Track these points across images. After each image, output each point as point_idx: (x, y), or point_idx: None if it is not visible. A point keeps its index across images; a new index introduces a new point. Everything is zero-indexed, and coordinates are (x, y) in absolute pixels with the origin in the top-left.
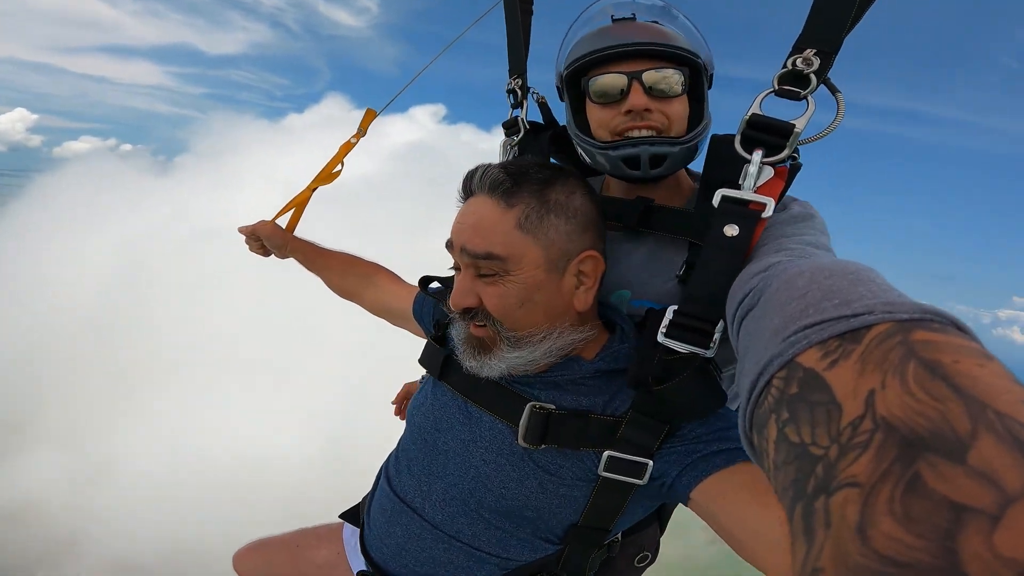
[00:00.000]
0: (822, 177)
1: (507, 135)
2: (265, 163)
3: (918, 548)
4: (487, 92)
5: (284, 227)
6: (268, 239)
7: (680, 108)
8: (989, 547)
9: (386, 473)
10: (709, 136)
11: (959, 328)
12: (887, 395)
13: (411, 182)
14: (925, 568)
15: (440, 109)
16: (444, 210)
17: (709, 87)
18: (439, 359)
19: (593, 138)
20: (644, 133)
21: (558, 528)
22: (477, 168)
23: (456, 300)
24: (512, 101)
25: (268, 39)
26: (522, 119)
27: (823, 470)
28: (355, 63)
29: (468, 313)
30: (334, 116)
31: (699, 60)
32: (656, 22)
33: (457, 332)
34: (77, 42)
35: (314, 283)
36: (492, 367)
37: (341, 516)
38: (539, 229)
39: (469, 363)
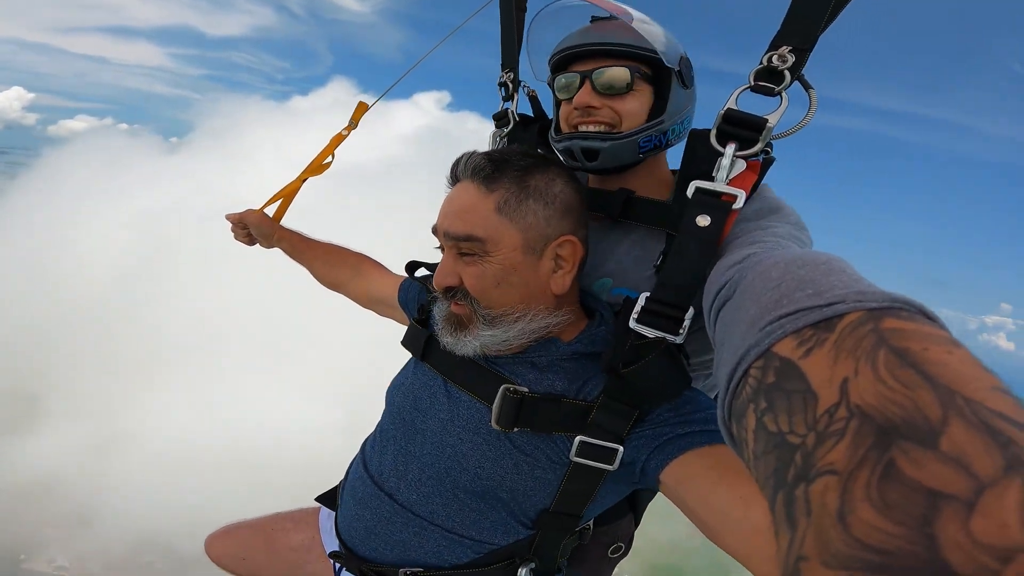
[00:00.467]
0: (815, 176)
1: (497, 127)
2: (274, 142)
3: (897, 535)
4: (492, 81)
5: (272, 216)
6: (255, 228)
7: (633, 105)
8: (967, 534)
9: (362, 455)
10: (671, 131)
11: (927, 316)
12: (860, 383)
13: (426, 162)
14: (906, 555)
15: (444, 96)
16: None
17: (686, 85)
18: (421, 339)
19: (557, 131)
20: (591, 128)
21: (531, 511)
22: (463, 155)
23: (439, 279)
24: (503, 94)
25: (271, 22)
26: (512, 111)
27: (801, 458)
28: (358, 48)
29: (449, 292)
30: (340, 100)
31: (655, 56)
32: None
33: (439, 310)
34: (79, 22)
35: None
36: (467, 344)
37: (317, 499)
38: (517, 213)
39: (446, 339)
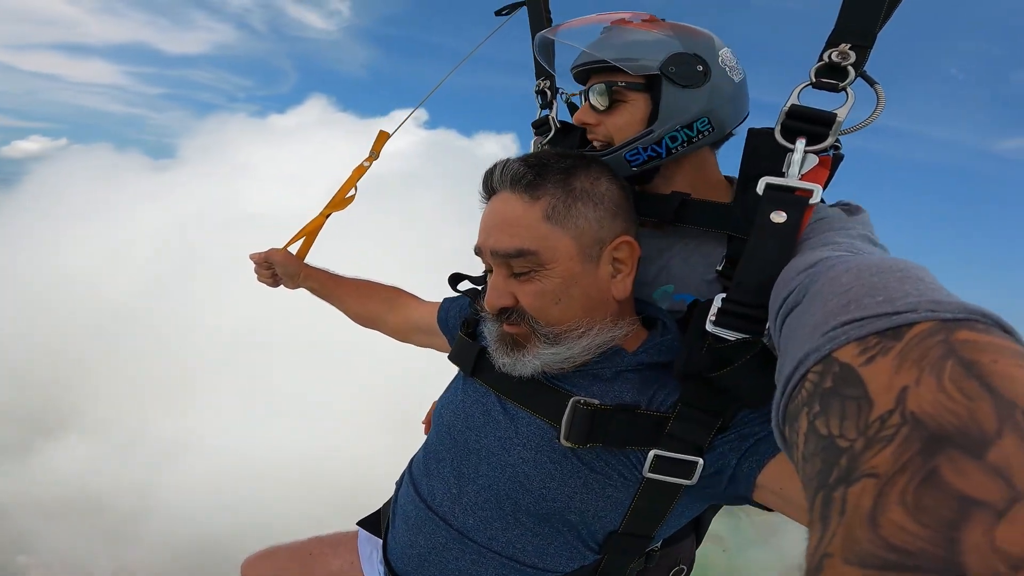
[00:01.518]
0: None
1: (537, 134)
2: (267, 158)
3: (922, 537)
4: (463, 99)
5: (295, 254)
6: (281, 267)
7: (619, 119)
8: (989, 540)
9: (410, 477)
10: (670, 138)
11: (1004, 329)
12: (920, 392)
13: (431, 173)
14: (926, 556)
15: (421, 113)
16: (471, 200)
17: (684, 85)
18: (472, 354)
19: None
20: (595, 145)
21: (599, 534)
22: (496, 165)
23: (492, 301)
24: (541, 102)
25: (232, 40)
26: (552, 118)
27: (847, 461)
28: (323, 65)
29: (504, 313)
30: (322, 119)
31: (618, 66)
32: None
33: (490, 331)
34: (30, 39)
35: (355, 268)
36: (526, 364)
37: (359, 523)
38: (568, 219)
39: (502, 360)
